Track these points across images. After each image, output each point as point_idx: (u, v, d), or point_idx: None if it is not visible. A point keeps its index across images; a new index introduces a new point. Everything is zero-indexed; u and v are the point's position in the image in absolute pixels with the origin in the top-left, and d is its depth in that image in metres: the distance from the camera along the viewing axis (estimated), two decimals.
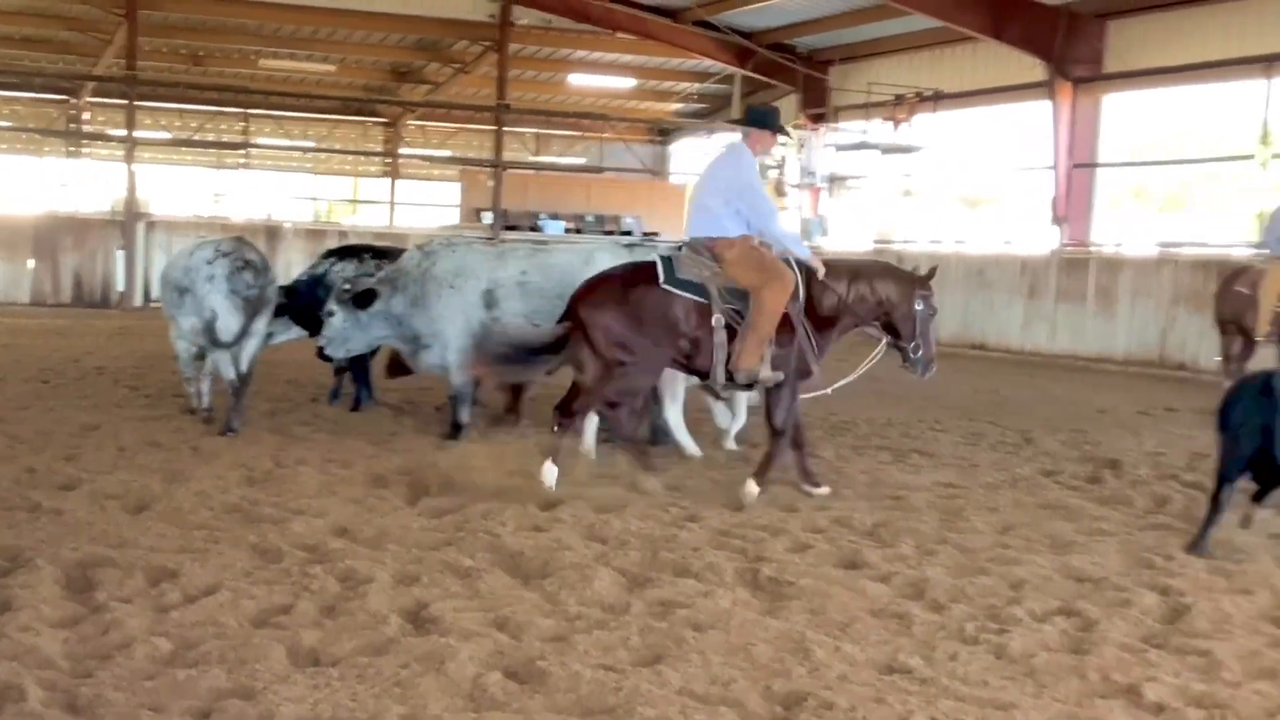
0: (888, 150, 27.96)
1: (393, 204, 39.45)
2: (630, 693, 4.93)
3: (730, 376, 9.00)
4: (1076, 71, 23.51)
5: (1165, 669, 5.53)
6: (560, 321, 9.10)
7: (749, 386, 9.32)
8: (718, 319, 8.85)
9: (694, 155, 36.76)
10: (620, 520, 7.89)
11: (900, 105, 27.21)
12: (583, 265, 11.02)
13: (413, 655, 5.25)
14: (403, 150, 39.02)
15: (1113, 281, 22.61)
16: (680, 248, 9.47)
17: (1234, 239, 21.63)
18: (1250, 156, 21.33)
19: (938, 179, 29.41)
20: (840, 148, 29.53)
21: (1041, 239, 24.97)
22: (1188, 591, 6.75)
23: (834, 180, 30.25)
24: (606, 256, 11.22)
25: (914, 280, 9.45)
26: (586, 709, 4.85)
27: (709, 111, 36.31)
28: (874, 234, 30.29)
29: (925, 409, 14.17)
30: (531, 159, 35.89)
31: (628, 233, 31.44)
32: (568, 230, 31.00)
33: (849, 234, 30.47)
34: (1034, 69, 23.90)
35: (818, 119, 30.19)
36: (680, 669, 5.24)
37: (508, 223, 29.90)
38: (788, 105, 31.29)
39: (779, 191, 30.37)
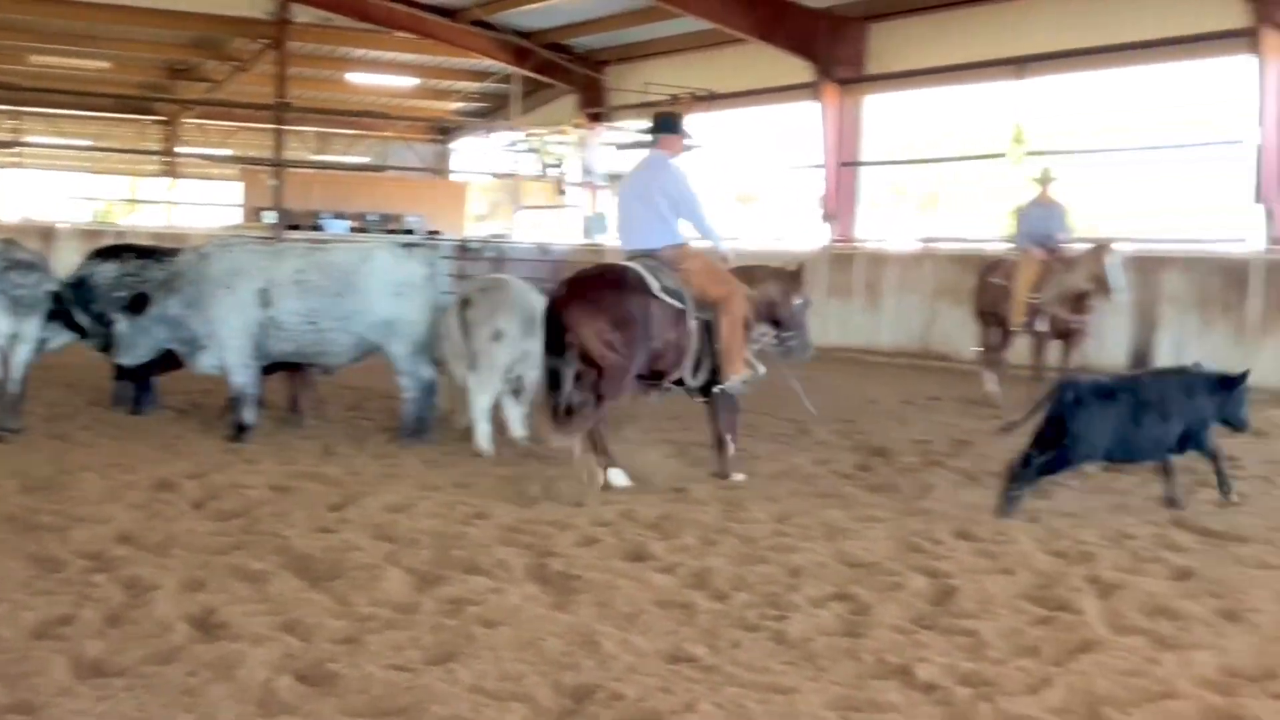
0: None
1: (171, 204, 38.23)
2: (422, 692, 4.86)
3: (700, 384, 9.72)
4: (840, 73, 24.03)
5: (935, 649, 5.67)
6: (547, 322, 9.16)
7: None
8: (693, 325, 9.40)
9: (475, 154, 36.48)
10: (409, 519, 7.81)
11: (675, 105, 27.40)
12: (361, 263, 10.97)
13: (201, 662, 5.09)
14: (181, 149, 37.83)
15: (878, 276, 23.07)
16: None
17: (989, 234, 22.37)
18: (1004, 155, 22.13)
19: (712, 177, 29.69)
20: (619, 146, 29.61)
21: (811, 235, 25.47)
22: (954, 574, 6.94)
23: (613, 179, 30.25)
24: (385, 255, 11.21)
25: (793, 279, 10.66)
26: (379, 710, 4.76)
27: (489, 110, 36.06)
28: None
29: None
30: (313, 158, 35.16)
31: (410, 231, 31.07)
32: (351, 229, 30.45)
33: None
34: (801, 70, 24.36)
35: (596, 118, 30.24)
36: (471, 666, 5.19)
37: (290, 222, 29.18)
38: (566, 105, 31.29)
39: (559, 190, 30.34)
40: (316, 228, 30.04)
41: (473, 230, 34.34)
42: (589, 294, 9.13)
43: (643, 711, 4.79)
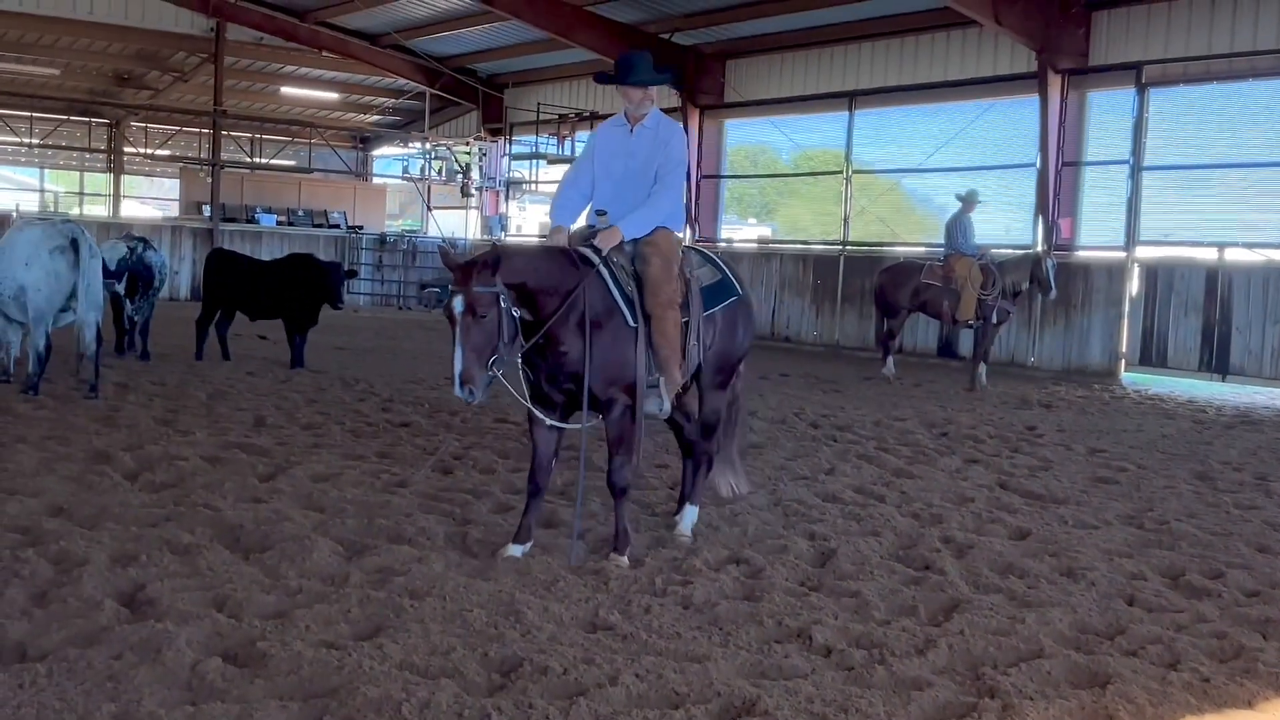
0: (554, 160, 27.57)
1: (117, 197, 36.24)
2: (353, 670, 4.02)
3: None
4: (702, 100, 23.62)
5: (826, 611, 5.07)
6: None
7: None
8: None
9: (390, 161, 35.42)
10: (336, 488, 6.91)
11: (564, 123, 26.83)
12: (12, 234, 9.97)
13: (127, 644, 4.14)
14: (126, 149, 35.67)
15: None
16: None
17: (821, 237, 22.09)
18: (838, 172, 21.86)
19: None
20: (515, 157, 28.93)
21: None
22: (830, 536, 6.39)
23: (511, 184, 29.61)
24: (32, 229, 10.07)
25: None
26: (309, 691, 3.89)
27: (403, 123, 34.92)
28: (542, 230, 30.04)
29: None
30: (245, 159, 33.52)
31: (336, 226, 29.94)
32: (279, 223, 29.28)
33: (522, 231, 30.20)
34: (670, 96, 23.87)
35: (496, 133, 29.51)
36: (401, 640, 4.36)
37: (225, 215, 27.91)
38: (470, 120, 30.54)
39: (464, 193, 29.58)
40: (251, 220, 28.90)
41: (389, 226, 33.32)
42: None
43: (568, 685, 4.06)
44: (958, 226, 15.51)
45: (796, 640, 4.71)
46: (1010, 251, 16.91)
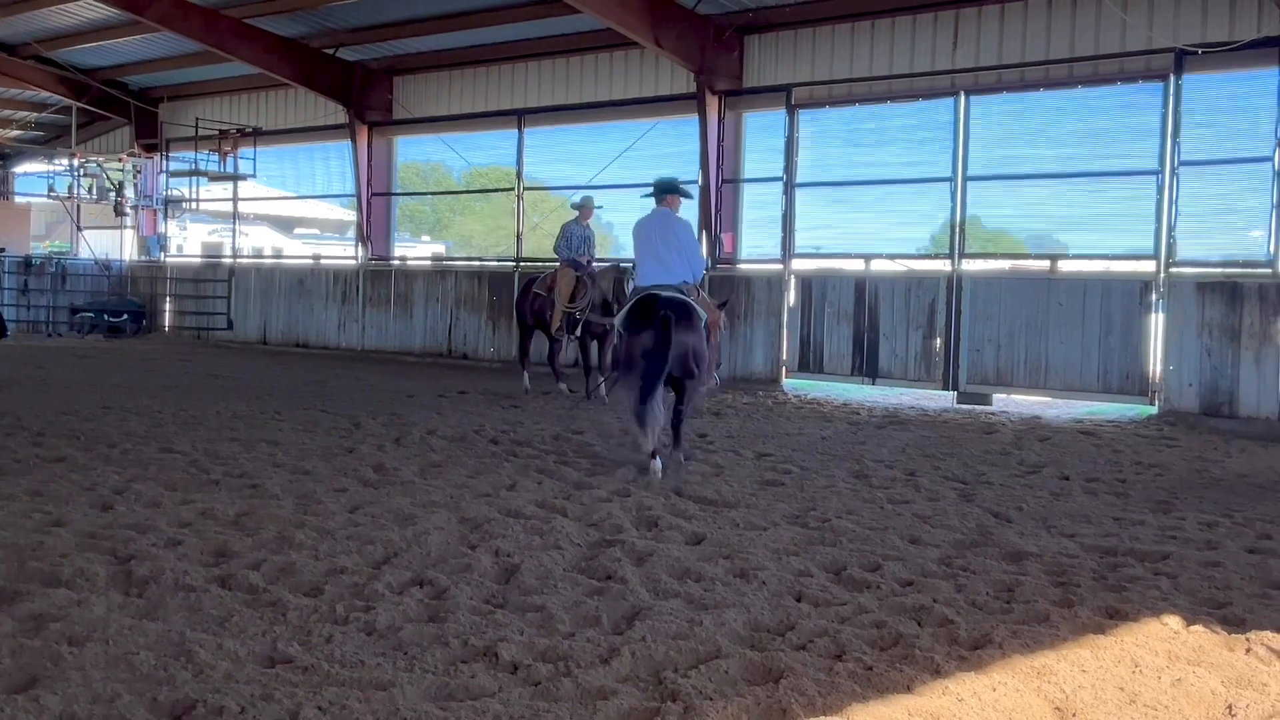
0: (215, 178, 26.29)
1: None
2: None
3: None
4: (371, 116, 23.21)
5: (512, 627, 5.07)
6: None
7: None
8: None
9: (34, 179, 32.75)
10: None
11: (225, 139, 25.64)
12: None
13: None
14: None
15: (409, 288, 22.57)
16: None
17: (502, 254, 22.21)
18: (510, 189, 22.00)
19: (261, 203, 28.11)
20: (173, 174, 27.38)
21: (350, 254, 24.47)
22: (514, 552, 6.40)
23: (169, 203, 27.98)
24: None
25: (722, 307, 11.03)
26: None
27: (49, 138, 32.38)
28: (205, 250, 28.58)
29: (265, 401, 13.14)
30: None
31: None
32: None
33: (184, 251, 28.53)
34: (338, 113, 23.36)
35: (151, 149, 27.83)
36: (59, 690, 4.03)
37: None
38: (123, 135, 28.70)
39: (118, 212, 27.72)
40: None
41: (35, 248, 30.81)
42: (686, 323, 9.35)
43: None
44: (562, 235, 15.49)
45: (483, 659, 4.66)
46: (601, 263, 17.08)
